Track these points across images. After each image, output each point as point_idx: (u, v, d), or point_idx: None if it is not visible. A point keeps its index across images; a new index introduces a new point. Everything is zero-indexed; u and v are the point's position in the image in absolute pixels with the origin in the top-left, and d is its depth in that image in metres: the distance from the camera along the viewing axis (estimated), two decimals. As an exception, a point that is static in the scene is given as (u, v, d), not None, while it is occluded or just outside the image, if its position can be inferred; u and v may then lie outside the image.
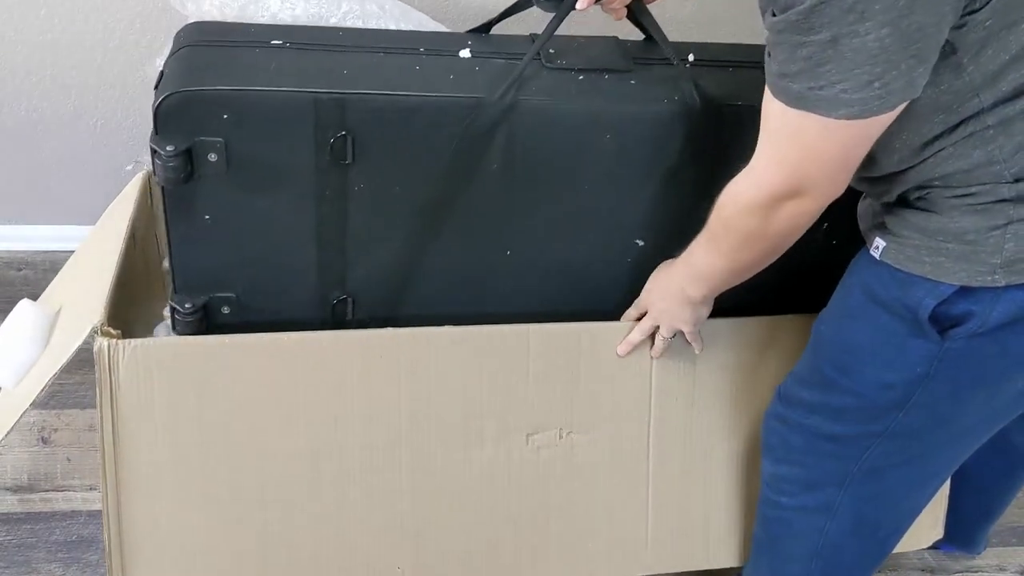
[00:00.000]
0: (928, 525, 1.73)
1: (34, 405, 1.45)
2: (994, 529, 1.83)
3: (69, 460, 1.88)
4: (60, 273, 1.80)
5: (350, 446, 1.48)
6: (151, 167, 1.64)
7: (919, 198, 1.14)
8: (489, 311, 1.48)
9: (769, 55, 1.04)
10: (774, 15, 0.99)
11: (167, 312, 1.79)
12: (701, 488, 1.61)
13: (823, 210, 1.12)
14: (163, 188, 1.33)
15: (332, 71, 1.33)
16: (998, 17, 0.98)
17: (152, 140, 1.28)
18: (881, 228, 1.19)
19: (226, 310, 1.43)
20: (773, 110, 1.05)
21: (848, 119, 0.99)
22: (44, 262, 2.27)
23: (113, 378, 1.38)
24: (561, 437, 1.53)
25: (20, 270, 2.29)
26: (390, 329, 1.46)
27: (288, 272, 1.42)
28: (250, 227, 1.37)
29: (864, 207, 1.27)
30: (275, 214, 1.37)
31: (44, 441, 1.91)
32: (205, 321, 1.43)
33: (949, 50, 1.00)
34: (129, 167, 1.75)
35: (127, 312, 1.50)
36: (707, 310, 1.41)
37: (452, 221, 1.41)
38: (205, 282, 1.41)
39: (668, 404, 1.56)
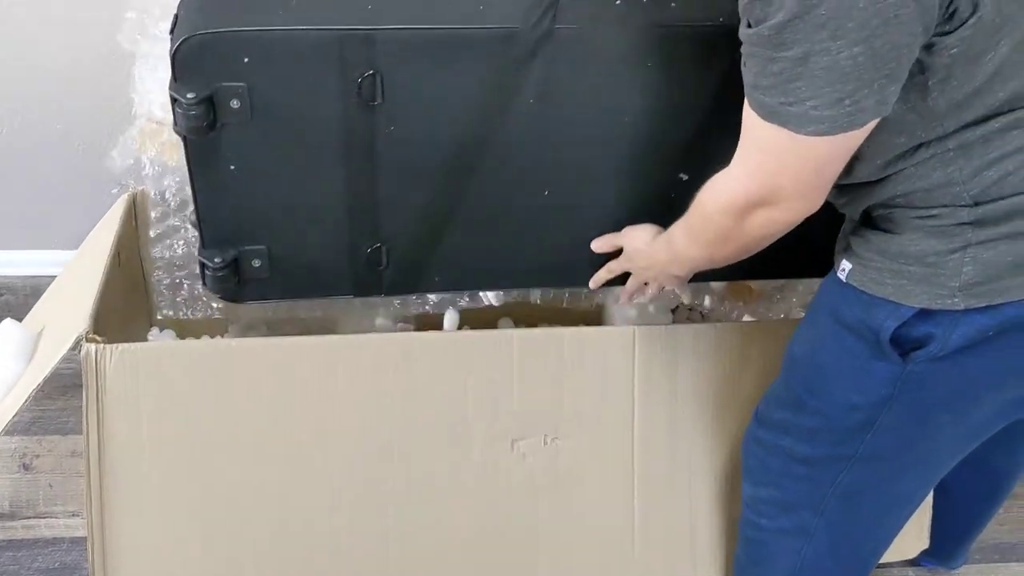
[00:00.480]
0: (913, 535, 1.73)
1: (16, 429, 1.44)
2: (976, 546, 1.84)
3: (51, 486, 1.87)
4: (44, 295, 1.80)
5: (338, 454, 1.49)
6: (135, 187, 1.65)
7: (883, 216, 1.16)
8: (527, 257, 1.45)
9: (744, 65, 1.05)
10: (749, 26, 1.00)
11: (151, 335, 1.81)
12: (687, 496, 1.62)
13: (798, 222, 1.12)
14: (184, 138, 1.28)
15: (356, 6, 1.27)
16: (964, 46, 0.99)
17: (171, 88, 1.23)
18: (847, 251, 1.20)
19: (257, 263, 1.37)
20: (750, 120, 1.05)
21: (818, 135, 0.99)
22: (26, 287, 2.25)
23: (100, 384, 1.38)
24: (546, 443, 1.54)
25: (1, 295, 2.29)
26: (376, 335, 1.47)
27: (319, 221, 1.37)
28: (277, 175, 1.32)
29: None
30: (302, 161, 1.32)
31: (26, 467, 1.90)
32: (236, 276, 1.38)
33: (917, 70, 1.01)
34: (115, 190, 1.76)
35: (111, 331, 1.49)
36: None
37: (487, 161, 1.35)
38: (234, 235, 1.36)
39: (651, 409, 1.56)
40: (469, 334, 1.49)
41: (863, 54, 0.93)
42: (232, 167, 1.30)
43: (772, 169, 1.06)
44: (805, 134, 1.00)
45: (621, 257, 1.43)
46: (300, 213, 1.36)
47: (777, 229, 1.14)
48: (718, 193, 1.15)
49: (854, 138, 1.02)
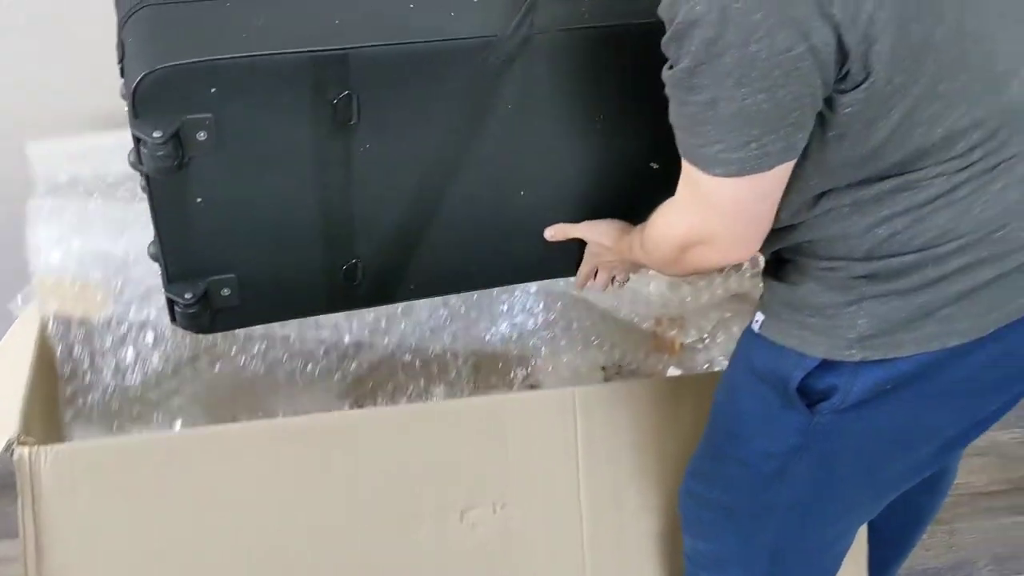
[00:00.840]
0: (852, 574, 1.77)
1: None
2: (904, 572, 1.87)
3: (-23, 595, 1.78)
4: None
5: (286, 541, 1.45)
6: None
7: (792, 264, 1.20)
8: (502, 256, 1.44)
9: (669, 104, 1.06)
10: (670, 68, 1.02)
11: (76, 428, 1.75)
12: (636, 554, 1.62)
13: (737, 261, 1.16)
14: (148, 177, 1.19)
15: (323, 23, 1.21)
16: (859, 108, 1.02)
17: (134, 127, 1.14)
18: (762, 303, 1.25)
19: (226, 292, 1.30)
20: (682, 158, 1.08)
21: (726, 176, 1.02)
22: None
23: (36, 489, 1.33)
24: (495, 512, 1.53)
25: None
26: (318, 415, 1.45)
27: (291, 242, 1.32)
28: (248, 203, 1.26)
29: None
30: (274, 185, 1.26)
31: (-54, 580, 1.81)
32: (208, 308, 1.31)
33: (818, 122, 1.04)
34: (10, 304, 1.70)
35: (40, 431, 1.44)
36: None
37: (463, 169, 1.32)
38: (201, 266, 1.28)
39: (596, 469, 1.57)
40: (411, 408, 1.49)
41: (767, 102, 0.96)
42: (199, 199, 1.23)
43: (697, 205, 1.09)
44: (714, 175, 1.03)
45: (587, 255, 1.43)
46: (271, 237, 1.30)
47: (714, 265, 1.17)
48: (662, 226, 1.18)
49: (765, 181, 1.04)
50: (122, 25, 1.22)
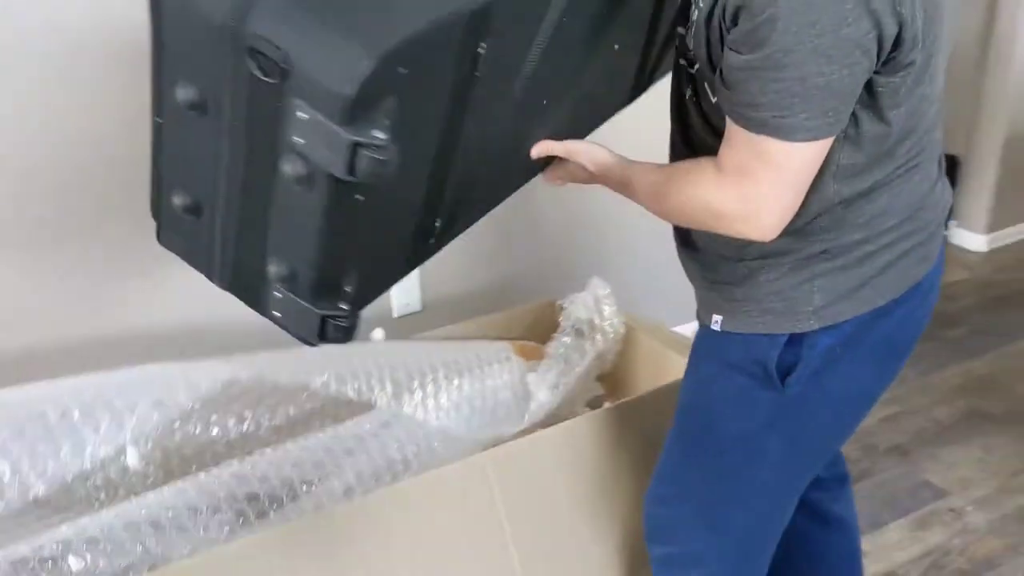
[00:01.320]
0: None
1: None
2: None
3: None
4: None
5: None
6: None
7: (744, 260, 1.30)
8: (521, 162, 1.40)
9: (729, 89, 1.15)
10: (740, 54, 1.12)
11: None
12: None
13: (761, 238, 1.22)
14: (335, 180, 1.03)
15: None
16: (887, 90, 1.16)
17: (349, 133, 0.99)
18: (715, 307, 1.36)
19: (349, 288, 1.15)
20: (738, 135, 1.16)
21: (804, 142, 1.14)
22: None
23: None
24: (439, 593, 1.53)
25: None
26: (245, 543, 1.39)
27: (404, 216, 1.21)
28: (392, 183, 1.10)
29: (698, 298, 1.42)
30: (406, 162, 1.11)
31: None
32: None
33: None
34: None
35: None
36: None
37: (532, 95, 1.28)
38: (340, 273, 1.14)
39: (523, 524, 1.61)
40: (338, 510, 1.46)
41: (848, 76, 1.11)
42: (359, 197, 1.08)
43: (758, 176, 1.17)
44: (793, 141, 1.14)
45: (558, 169, 1.46)
46: (392, 217, 1.19)
47: (738, 237, 1.24)
48: (703, 192, 1.23)
49: (824, 147, 1.17)
50: (244, 15, 1.03)
